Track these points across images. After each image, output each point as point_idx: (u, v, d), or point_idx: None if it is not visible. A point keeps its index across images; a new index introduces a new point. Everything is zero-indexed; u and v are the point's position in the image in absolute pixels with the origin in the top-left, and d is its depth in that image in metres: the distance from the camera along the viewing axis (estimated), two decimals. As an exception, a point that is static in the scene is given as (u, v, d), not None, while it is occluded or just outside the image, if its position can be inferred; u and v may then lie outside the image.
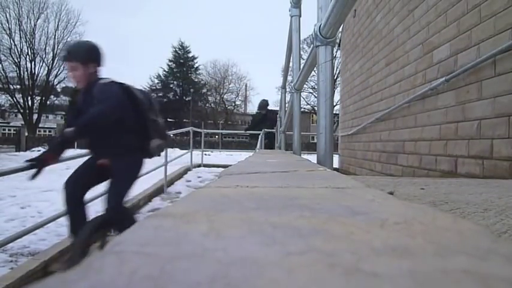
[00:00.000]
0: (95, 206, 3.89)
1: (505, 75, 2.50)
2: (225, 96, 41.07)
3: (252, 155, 3.84)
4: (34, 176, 2.12)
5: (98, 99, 2.20)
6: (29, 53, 28.99)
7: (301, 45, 3.06)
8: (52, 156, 2.22)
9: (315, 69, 1.81)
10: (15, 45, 28.28)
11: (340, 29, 6.88)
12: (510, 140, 2.45)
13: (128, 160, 2.36)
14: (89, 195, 2.46)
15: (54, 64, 29.74)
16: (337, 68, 20.47)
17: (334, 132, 4.51)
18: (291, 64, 3.43)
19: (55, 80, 30.73)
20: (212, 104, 40.56)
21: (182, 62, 38.12)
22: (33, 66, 29.13)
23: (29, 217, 3.80)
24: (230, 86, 41.72)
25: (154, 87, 37.83)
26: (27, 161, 2.16)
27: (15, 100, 29.20)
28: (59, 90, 34.97)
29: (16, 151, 17.94)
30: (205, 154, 10.65)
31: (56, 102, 36.09)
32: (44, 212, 3.93)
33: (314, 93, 29.98)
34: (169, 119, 37.03)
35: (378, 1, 5.27)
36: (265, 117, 7.69)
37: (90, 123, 2.13)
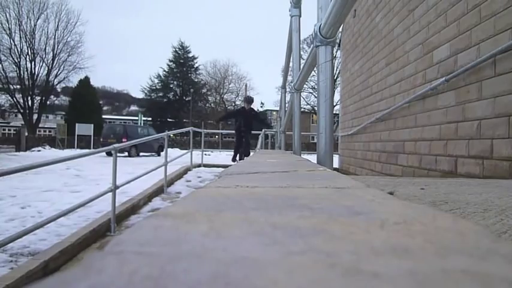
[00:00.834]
0: (96, 206, 3.89)
1: (505, 75, 2.50)
2: (225, 96, 41.14)
3: (252, 155, 3.84)
4: None
5: None
6: (29, 53, 29.02)
7: (301, 45, 3.06)
8: None
9: (315, 69, 1.81)
10: (15, 45, 28.32)
11: (340, 29, 6.88)
12: (510, 140, 2.45)
13: None
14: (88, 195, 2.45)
15: (54, 64, 29.81)
16: (337, 68, 20.47)
17: (334, 132, 4.51)
18: (291, 64, 3.44)
19: (55, 80, 30.79)
20: (212, 104, 40.58)
21: (182, 62, 38.14)
22: (33, 66, 29.19)
23: (29, 217, 3.80)
24: (230, 86, 41.80)
25: (154, 87, 37.86)
26: None
27: (15, 100, 29.20)
28: (59, 90, 35.01)
29: (16, 151, 17.93)
30: (205, 154, 10.66)
31: (56, 102, 36.11)
32: (44, 212, 3.93)
33: (314, 93, 29.98)
34: (169, 119, 37.05)
35: (377, 1, 5.27)
36: (240, 110, 7.40)
37: None
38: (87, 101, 29.42)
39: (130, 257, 0.26)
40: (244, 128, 7.11)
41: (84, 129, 22.52)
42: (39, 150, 18.36)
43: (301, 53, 3.28)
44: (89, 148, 20.01)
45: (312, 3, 1.89)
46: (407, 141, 4.08)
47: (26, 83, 28.99)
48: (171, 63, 38.14)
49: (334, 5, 1.35)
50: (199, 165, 8.43)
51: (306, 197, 0.57)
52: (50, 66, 29.74)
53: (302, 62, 2.56)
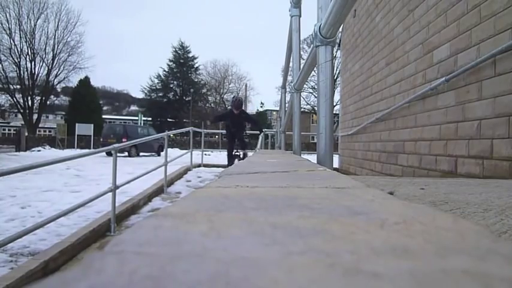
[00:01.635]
0: (96, 206, 3.89)
1: (505, 75, 2.50)
2: (225, 96, 41.09)
3: (252, 155, 3.84)
4: None
5: None
6: (29, 53, 29.01)
7: (301, 45, 3.06)
8: None
9: (315, 69, 1.81)
10: (15, 45, 28.31)
11: (340, 29, 6.87)
12: (510, 140, 2.45)
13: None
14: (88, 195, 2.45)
15: (54, 64, 29.80)
16: (337, 68, 20.47)
17: (334, 132, 4.51)
18: (291, 64, 3.44)
19: (55, 80, 30.79)
20: (212, 104, 40.56)
21: (182, 62, 38.12)
22: (33, 66, 29.18)
23: (29, 217, 3.80)
24: (230, 86, 41.80)
25: (154, 87, 37.84)
26: None
27: (15, 100, 29.20)
28: (59, 90, 34.98)
29: (16, 151, 17.92)
30: (205, 154, 10.66)
31: (56, 102, 36.07)
32: (44, 212, 3.93)
33: (314, 93, 29.97)
34: (169, 119, 37.04)
35: (377, 1, 5.27)
36: (228, 112, 7.29)
37: None
38: (87, 101, 29.42)
39: (130, 257, 0.26)
40: (234, 129, 7.02)
41: (84, 129, 22.52)
42: (39, 150, 18.34)
43: (301, 53, 3.28)
44: (89, 148, 20.01)
45: (312, 3, 1.89)
46: (407, 141, 4.08)
47: (26, 83, 28.99)
48: (171, 63, 38.14)
49: (334, 5, 1.35)
50: (199, 165, 8.43)
51: (306, 197, 0.57)
52: (50, 66, 29.76)
53: (302, 62, 2.56)
